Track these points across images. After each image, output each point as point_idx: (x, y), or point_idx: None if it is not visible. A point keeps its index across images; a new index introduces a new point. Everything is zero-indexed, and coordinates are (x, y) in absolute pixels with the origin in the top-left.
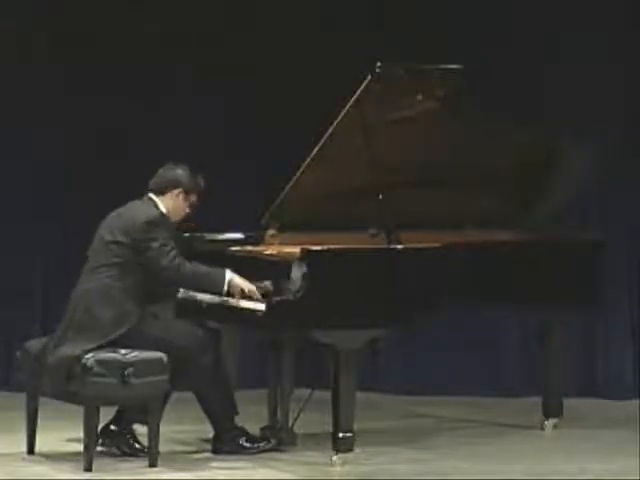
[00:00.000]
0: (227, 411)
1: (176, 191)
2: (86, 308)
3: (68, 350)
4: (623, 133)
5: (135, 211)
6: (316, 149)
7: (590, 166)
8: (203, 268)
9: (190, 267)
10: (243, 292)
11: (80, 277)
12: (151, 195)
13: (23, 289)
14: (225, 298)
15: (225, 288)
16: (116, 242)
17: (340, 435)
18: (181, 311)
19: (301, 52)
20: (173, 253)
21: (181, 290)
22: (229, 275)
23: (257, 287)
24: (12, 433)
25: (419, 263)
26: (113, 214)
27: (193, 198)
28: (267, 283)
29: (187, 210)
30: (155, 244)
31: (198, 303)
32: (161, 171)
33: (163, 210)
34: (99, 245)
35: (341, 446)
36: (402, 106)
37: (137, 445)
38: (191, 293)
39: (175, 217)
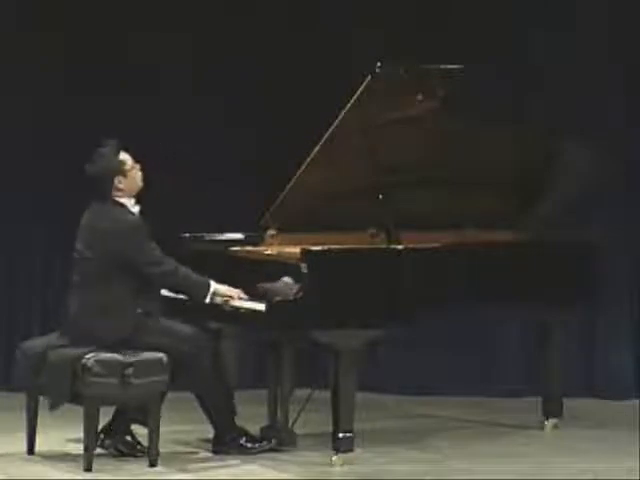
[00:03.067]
0: (227, 411)
1: (116, 180)
2: (80, 328)
3: (68, 351)
4: (623, 133)
5: (106, 222)
6: (316, 149)
7: (590, 166)
8: (192, 275)
9: (182, 271)
10: (230, 299)
11: (69, 292)
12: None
13: (23, 289)
14: (224, 299)
15: (208, 299)
16: (96, 258)
17: (340, 435)
18: (181, 311)
19: (301, 52)
20: (160, 257)
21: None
22: (213, 286)
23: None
24: (12, 433)
25: (419, 263)
26: (84, 226)
27: (134, 170)
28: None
29: (139, 175)
30: (141, 257)
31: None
32: (92, 175)
33: (125, 202)
34: (80, 261)
35: (341, 446)
36: (402, 106)
37: (137, 446)
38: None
39: (136, 190)
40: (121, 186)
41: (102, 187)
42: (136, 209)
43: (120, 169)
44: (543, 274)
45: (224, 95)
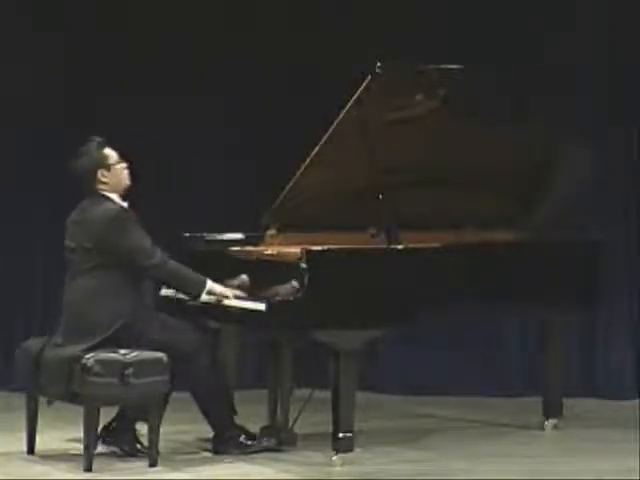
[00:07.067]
0: (226, 411)
1: (99, 173)
2: (78, 314)
3: (68, 351)
4: (623, 133)
5: (92, 213)
6: (316, 149)
7: (590, 166)
8: (184, 271)
9: (174, 264)
10: (225, 299)
11: (64, 285)
12: (92, 192)
13: (23, 289)
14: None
15: (204, 296)
16: (86, 249)
17: (340, 435)
18: (181, 311)
19: (301, 52)
20: (150, 248)
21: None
22: (210, 284)
23: (234, 285)
24: (12, 433)
25: (419, 263)
26: (71, 222)
27: (118, 165)
28: (243, 277)
29: (125, 172)
30: (129, 244)
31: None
32: (76, 169)
33: (113, 196)
34: (70, 254)
35: (341, 446)
36: (402, 106)
37: (138, 445)
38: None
39: (123, 186)
40: (105, 179)
41: (87, 180)
42: (124, 204)
43: (103, 163)
44: (543, 274)
45: (224, 95)
